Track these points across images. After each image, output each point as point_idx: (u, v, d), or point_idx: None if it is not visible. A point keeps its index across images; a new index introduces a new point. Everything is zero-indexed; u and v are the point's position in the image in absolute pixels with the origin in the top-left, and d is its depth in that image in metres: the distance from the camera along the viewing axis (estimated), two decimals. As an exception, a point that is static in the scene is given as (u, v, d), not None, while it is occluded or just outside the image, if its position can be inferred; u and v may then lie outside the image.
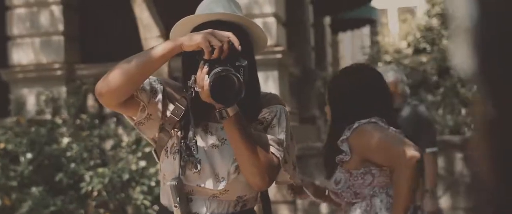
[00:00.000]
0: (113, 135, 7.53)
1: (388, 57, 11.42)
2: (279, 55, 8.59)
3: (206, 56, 1.99)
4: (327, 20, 15.49)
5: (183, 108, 2.14)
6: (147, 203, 6.67)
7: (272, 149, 2.14)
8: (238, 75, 1.96)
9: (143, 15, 5.62)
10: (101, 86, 2.04)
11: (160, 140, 2.20)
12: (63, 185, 6.97)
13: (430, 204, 5.02)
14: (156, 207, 6.47)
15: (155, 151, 2.25)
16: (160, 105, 2.15)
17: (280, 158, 2.15)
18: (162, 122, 2.17)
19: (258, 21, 8.77)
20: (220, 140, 2.16)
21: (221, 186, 2.13)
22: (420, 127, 5.13)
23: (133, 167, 6.78)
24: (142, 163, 6.85)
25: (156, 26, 5.65)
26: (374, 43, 18.50)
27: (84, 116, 7.96)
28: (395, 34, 18.03)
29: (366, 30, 19.59)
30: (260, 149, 2.09)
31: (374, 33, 19.96)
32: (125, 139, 7.37)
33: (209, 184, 2.14)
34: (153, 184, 6.75)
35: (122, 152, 7.14)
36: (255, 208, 2.28)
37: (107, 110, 8.12)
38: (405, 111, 5.18)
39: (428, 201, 5.03)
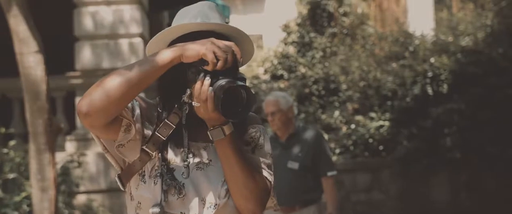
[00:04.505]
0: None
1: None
2: (146, 78, 8.30)
3: (209, 68, 1.80)
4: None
5: (173, 126, 1.92)
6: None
7: (264, 172, 1.98)
8: (246, 87, 1.79)
9: (20, 28, 5.12)
10: (87, 105, 1.78)
11: (134, 164, 1.94)
12: None
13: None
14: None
15: (119, 177, 1.99)
16: (139, 124, 1.92)
17: (272, 182, 1.99)
18: (145, 142, 1.93)
19: (125, 42, 8.42)
20: (205, 162, 1.95)
21: (209, 212, 1.91)
22: (321, 150, 5.13)
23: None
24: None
25: (33, 40, 5.16)
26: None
27: None
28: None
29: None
30: (254, 172, 1.93)
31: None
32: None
33: (194, 210, 1.91)
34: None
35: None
36: None
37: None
38: (306, 134, 5.14)
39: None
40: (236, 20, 14.76)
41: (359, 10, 12.54)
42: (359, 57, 10.67)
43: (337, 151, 9.55)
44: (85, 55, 8.29)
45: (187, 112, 1.88)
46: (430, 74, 9.42)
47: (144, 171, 1.94)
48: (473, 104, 8.91)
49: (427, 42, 9.99)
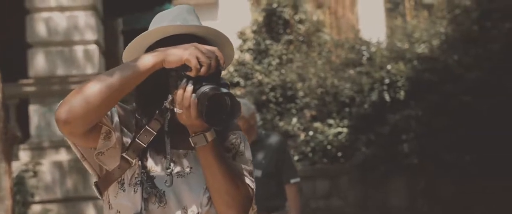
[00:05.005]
0: None
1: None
2: (102, 85, 8.14)
3: (193, 74, 1.75)
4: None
5: (155, 133, 1.86)
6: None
7: (246, 179, 1.94)
8: (231, 94, 1.75)
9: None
10: (66, 112, 1.71)
11: (113, 172, 1.88)
12: None
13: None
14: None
15: (97, 184, 1.93)
16: (119, 132, 1.87)
17: (254, 189, 1.95)
18: (124, 149, 1.87)
19: (80, 49, 8.26)
20: (186, 169, 1.91)
21: None
22: (284, 156, 5.10)
23: None
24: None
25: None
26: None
27: None
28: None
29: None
30: (237, 179, 1.89)
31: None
32: None
33: None
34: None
35: None
36: None
37: None
38: (269, 141, 5.11)
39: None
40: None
41: (315, 18, 12.58)
42: (316, 64, 10.70)
43: (296, 158, 9.53)
44: (39, 62, 8.10)
45: (168, 118, 1.84)
46: (387, 81, 9.49)
47: (123, 179, 1.89)
48: (430, 111, 9.00)
49: (383, 49, 10.07)
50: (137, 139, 1.87)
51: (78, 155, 1.91)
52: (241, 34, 12.57)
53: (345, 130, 9.57)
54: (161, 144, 1.89)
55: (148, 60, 1.75)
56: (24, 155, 7.71)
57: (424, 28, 10.27)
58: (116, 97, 1.75)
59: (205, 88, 1.74)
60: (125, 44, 9.89)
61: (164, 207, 1.85)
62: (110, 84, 1.72)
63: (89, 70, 8.26)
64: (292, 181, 4.97)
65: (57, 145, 7.81)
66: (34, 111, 7.95)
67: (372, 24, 13.41)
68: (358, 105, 9.64)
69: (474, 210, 8.60)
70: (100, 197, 1.96)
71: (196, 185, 1.89)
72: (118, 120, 1.88)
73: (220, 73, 1.81)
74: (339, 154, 9.58)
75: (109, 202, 1.92)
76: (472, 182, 8.63)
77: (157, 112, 1.87)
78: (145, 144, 1.87)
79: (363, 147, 9.21)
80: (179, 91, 1.76)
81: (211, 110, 1.73)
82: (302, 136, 9.91)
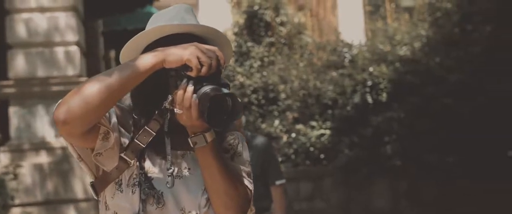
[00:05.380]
0: None
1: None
2: (83, 87, 8.05)
3: (193, 74, 1.73)
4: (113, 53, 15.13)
5: (154, 133, 1.84)
6: None
7: (245, 181, 1.93)
8: (232, 95, 1.74)
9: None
10: (64, 113, 1.69)
11: (111, 172, 1.86)
12: None
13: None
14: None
15: (93, 185, 1.91)
16: (117, 132, 1.85)
17: (252, 190, 1.94)
18: (122, 150, 1.85)
19: (60, 50, 8.16)
20: (183, 170, 1.89)
21: None
22: (270, 158, 5.09)
23: None
24: None
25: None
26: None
27: None
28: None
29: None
30: (236, 180, 1.88)
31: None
32: None
33: None
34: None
35: None
36: None
37: None
38: (255, 142, 5.09)
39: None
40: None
41: (296, 20, 12.57)
42: (298, 67, 10.69)
43: (279, 159, 9.51)
44: (19, 64, 7.99)
45: (168, 118, 1.82)
46: (369, 83, 9.51)
47: (121, 180, 1.87)
48: (412, 113, 9.03)
49: (365, 52, 10.09)
50: (136, 139, 1.85)
51: (75, 155, 1.88)
52: (223, 36, 12.53)
53: (327, 132, 9.57)
54: (160, 144, 1.87)
55: (148, 60, 1.73)
56: (4, 157, 7.59)
57: (405, 31, 10.31)
58: (115, 97, 1.73)
59: (206, 88, 1.72)
60: (106, 46, 9.86)
61: (162, 208, 1.84)
62: (109, 84, 1.69)
63: (70, 71, 8.17)
64: (278, 182, 4.97)
65: (38, 147, 7.71)
66: (14, 112, 7.83)
67: (351, 27, 13.44)
68: (340, 108, 9.64)
69: (456, 212, 8.64)
70: (96, 198, 1.93)
71: (194, 186, 1.88)
72: (116, 120, 1.86)
73: (221, 73, 1.79)
74: (322, 156, 9.57)
75: (105, 203, 1.89)
76: (455, 184, 8.67)
77: (156, 112, 1.85)
78: (144, 145, 1.85)
79: (346, 149, 9.21)
80: (180, 92, 1.75)
81: (212, 110, 1.71)
82: (285, 138, 9.89)
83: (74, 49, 8.25)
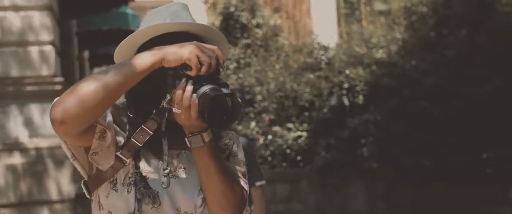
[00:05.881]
0: None
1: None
2: (58, 87, 7.94)
3: (193, 73, 1.70)
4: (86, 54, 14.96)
5: (151, 132, 1.81)
6: None
7: (241, 181, 1.91)
8: (232, 95, 1.71)
9: None
10: (61, 112, 1.65)
11: (105, 171, 1.83)
12: None
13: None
14: None
15: (85, 183, 1.87)
16: (113, 130, 1.82)
17: (248, 191, 1.92)
18: (118, 148, 1.82)
19: (35, 49, 8.04)
20: (178, 170, 1.86)
21: None
22: (250, 159, 5.05)
23: None
24: None
25: None
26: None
27: None
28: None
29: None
30: (232, 180, 1.86)
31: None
32: None
33: None
34: None
35: None
36: None
37: None
38: (237, 143, 5.04)
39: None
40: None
41: (272, 22, 12.58)
42: (274, 69, 10.69)
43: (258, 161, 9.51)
44: (-8, 63, 7.85)
45: (166, 117, 1.80)
46: (346, 85, 9.53)
47: (115, 179, 1.84)
48: (389, 115, 9.06)
49: (342, 54, 10.11)
50: (133, 138, 1.82)
51: (69, 154, 1.84)
52: (198, 38, 12.49)
53: (304, 134, 9.57)
54: (155, 143, 1.84)
55: (146, 59, 1.69)
56: (-25, 158, 7.45)
57: (381, 34, 10.36)
58: (113, 97, 1.70)
59: (206, 88, 1.69)
60: (80, 46, 9.73)
61: (158, 208, 1.81)
62: (106, 83, 1.66)
63: (45, 71, 8.05)
64: (257, 183, 4.95)
65: (11, 147, 7.57)
66: (-14, 112, 7.69)
67: (325, 29, 13.49)
68: (317, 110, 9.65)
69: (432, 214, 8.69)
70: (88, 197, 1.90)
71: (190, 186, 1.85)
72: (111, 118, 1.83)
73: (219, 73, 1.76)
74: (299, 158, 9.57)
75: (99, 202, 1.86)
76: (431, 187, 8.72)
77: (154, 111, 1.82)
78: (140, 144, 1.81)
79: (322, 151, 9.22)
80: (179, 91, 1.71)
81: (212, 110, 1.69)
82: (261, 140, 9.87)
83: (49, 49, 8.13)
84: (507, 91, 8.57)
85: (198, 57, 1.69)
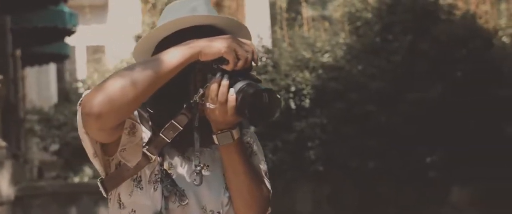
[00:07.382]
0: None
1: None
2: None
3: (229, 67, 1.66)
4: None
5: (181, 128, 1.72)
6: None
7: (265, 181, 1.88)
8: (270, 91, 1.66)
9: None
10: (99, 105, 1.59)
11: (127, 169, 1.75)
12: None
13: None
14: None
15: (102, 181, 1.80)
16: (140, 125, 1.76)
17: (270, 190, 1.89)
18: (146, 144, 1.76)
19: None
20: (204, 168, 1.80)
21: None
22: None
23: None
24: None
25: None
26: (61, 80, 17.93)
27: None
28: (83, 73, 17.59)
29: (54, 66, 18.85)
30: (258, 179, 1.83)
31: (61, 70, 19.21)
32: None
33: None
34: None
35: None
36: None
37: None
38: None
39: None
40: (83, 31, 14.13)
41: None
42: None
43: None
44: None
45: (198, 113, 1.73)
46: (292, 88, 9.57)
47: (140, 176, 1.77)
48: (335, 119, 9.16)
49: (288, 58, 10.14)
50: (161, 133, 1.73)
51: (90, 152, 1.75)
52: (138, 38, 12.33)
53: (251, 136, 9.54)
54: (180, 139, 1.77)
55: (182, 53, 1.64)
56: None
57: (326, 39, 10.46)
58: (149, 91, 1.65)
59: (243, 84, 1.65)
60: (14, 43, 9.41)
61: (185, 206, 1.76)
62: (146, 76, 1.61)
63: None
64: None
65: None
66: None
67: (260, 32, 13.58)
68: (263, 112, 9.63)
69: (378, 216, 8.83)
70: (105, 195, 1.82)
71: (215, 184, 1.81)
72: (137, 113, 1.77)
73: (252, 68, 1.72)
74: (245, 160, 9.52)
75: (120, 201, 1.78)
76: (375, 190, 8.85)
77: (184, 106, 1.74)
78: (169, 140, 1.73)
79: (269, 154, 9.22)
80: (213, 86, 1.66)
81: (251, 107, 1.65)
82: (208, 142, 9.79)
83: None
84: (450, 97, 8.81)
85: (235, 51, 1.65)
